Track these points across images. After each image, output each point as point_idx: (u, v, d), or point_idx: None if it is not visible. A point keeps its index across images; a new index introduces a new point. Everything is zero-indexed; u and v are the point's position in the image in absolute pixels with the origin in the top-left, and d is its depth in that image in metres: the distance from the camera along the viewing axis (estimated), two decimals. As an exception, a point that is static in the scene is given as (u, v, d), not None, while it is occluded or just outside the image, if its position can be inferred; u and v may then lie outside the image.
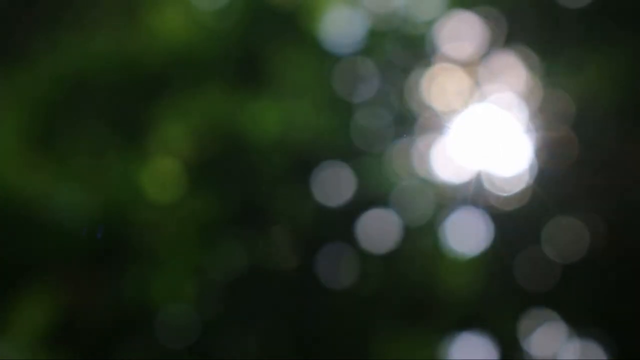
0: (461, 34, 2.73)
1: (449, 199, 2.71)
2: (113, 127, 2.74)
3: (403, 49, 2.76)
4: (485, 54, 2.69)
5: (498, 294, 2.70)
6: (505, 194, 2.64)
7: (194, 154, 2.70)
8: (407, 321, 2.70)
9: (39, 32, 2.74)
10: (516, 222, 2.65)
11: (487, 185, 2.65)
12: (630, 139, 2.56)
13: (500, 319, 2.68)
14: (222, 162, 2.71)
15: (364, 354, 2.68)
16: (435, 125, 2.72)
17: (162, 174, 2.69)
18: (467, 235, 2.72)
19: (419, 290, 2.70)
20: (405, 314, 2.71)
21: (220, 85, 2.73)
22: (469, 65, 2.70)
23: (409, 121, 2.74)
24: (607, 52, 2.59)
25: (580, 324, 2.65)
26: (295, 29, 2.77)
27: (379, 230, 2.72)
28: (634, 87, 2.55)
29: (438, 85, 2.72)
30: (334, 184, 2.73)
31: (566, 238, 2.65)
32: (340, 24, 2.76)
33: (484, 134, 2.65)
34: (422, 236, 2.71)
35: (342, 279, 2.72)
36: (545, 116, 2.59)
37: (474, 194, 2.67)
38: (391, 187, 2.71)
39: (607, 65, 2.58)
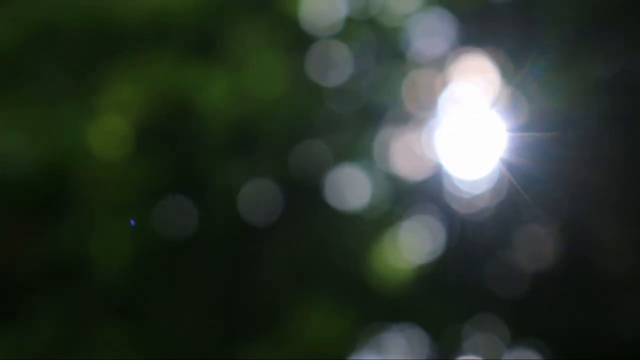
0: (435, 31, 2.73)
1: (405, 191, 2.68)
2: (68, 80, 2.70)
3: (377, 40, 2.75)
4: (457, 53, 2.69)
5: (441, 293, 2.66)
6: (465, 195, 2.62)
7: (143, 116, 2.67)
8: (335, 303, 2.67)
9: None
10: (474, 224, 2.62)
11: (447, 183, 2.63)
12: (602, 144, 2.55)
13: (437, 317, 2.64)
14: (169, 128, 2.68)
15: (286, 328, 2.65)
16: (401, 118, 2.70)
17: (109, 132, 2.65)
18: (419, 231, 2.69)
19: (353, 275, 2.67)
20: (335, 297, 2.67)
21: (179, 53, 2.71)
22: (440, 62, 2.69)
23: (374, 111, 2.72)
24: (581, 57, 2.59)
25: (525, 333, 2.61)
26: (270, 7, 2.76)
27: (317, 211, 2.69)
28: (604, 93, 2.55)
29: (408, 80, 2.71)
30: (279, 162, 2.70)
31: (526, 245, 2.63)
32: (317, 7, 2.75)
33: (451, 132, 2.63)
34: (364, 224, 2.69)
35: (274, 254, 2.68)
36: (513, 118, 2.57)
37: (433, 191, 2.64)
38: (338, 171, 2.70)
39: (580, 71, 2.58)
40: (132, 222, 2.62)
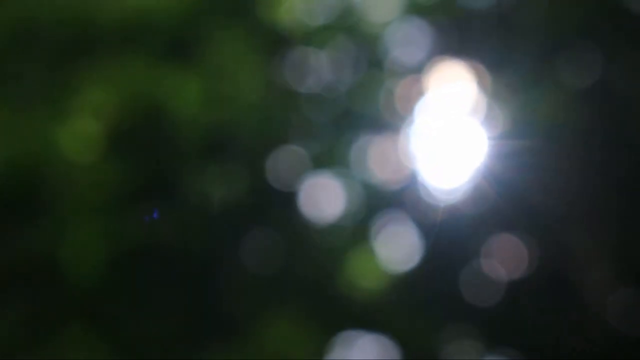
0: (413, 39, 2.73)
1: (381, 200, 2.67)
2: (41, 81, 2.68)
3: (355, 47, 2.75)
4: (434, 61, 2.69)
5: (416, 302, 2.65)
6: (442, 203, 2.61)
7: (116, 119, 2.66)
8: (305, 311, 2.65)
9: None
10: (450, 233, 2.61)
11: (424, 192, 2.62)
12: (579, 154, 2.55)
13: (411, 326, 2.63)
14: (142, 132, 2.66)
15: (253, 335, 2.63)
16: (378, 126, 2.70)
17: (82, 135, 2.63)
18: (394, 239, 2.68)
19: (326, 284, 2.66)
20: (306, 305, 2.66)
21: (155, 56, 2.70)
22: (418, 71, 2.69)
23: (351, 118, 2.71)
24: (559, 67, 2.60)
25: (500, 342, 2.61)
26: (248, 13, 2.75)
27: (291, 218, 2.68)
28: (582, 103, 2.56)
29: (386, 88, 2.70)
30: (253, 168, 2.69)
31: (503, 254, 2.63)
32: (295, 13, 2.74)
33: (428, 140, 2.63)
34: (339, 232, 2.67)
35: (244, 263, 2.67)
36: (491, 127, 2.57)
37: (409, 199, 2.64)
38: (313, 178, 2.69)
39: (558, 81, 2.59)
40: (155, 214, 2.61)
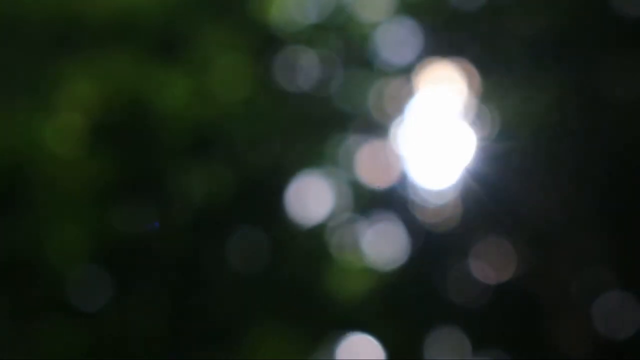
0: (403, 40, 2.73)
1: (369, 200, 2.67)
2: (26, 75, 2.67)
3: (345, 47, 2.74)
4: (424, 62, 2.69)
5: (402, 303, 2.65)
6: (430, 204, 2.61)
7: (101, 114, 2.65)
8: (288, 313, 2.65)
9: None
10: (438, 234, 2.61)
11: (412, 193, 2.62)
12: (567, 156, 2.56)
13: (398, 327, 2.63)
14: (127, 127, 2.65)
15: (238, 337, 2.62)
16: (367, 126, 2.69)
17: (66, 129, 2.62)
18: (381, 240, 2.67)
19: (311, 284, 2.65)
20: (284, 307, 2.65)
21: (141, 52, 2.69)
22: (407, 71, 2.69)
23: (340, 117, 2.71)
24: (547, 69, 2.60)
25: (486, 344, 2.61)
26: (237, 10, 2.74)
27: (277, 217, 2.67)
28: (570, 105, 2.57)
29: (375, 87, 2.70)
30: (239, 166, 2.68)
31: (490, 255, 2.63)
32: (286, 12, 2.74)
33: (417, 141, 2.63)
34: (326, 231, 2.67)
35: (228, 262, 2.66)
36: (479, 128, 2.57)
37: (397, 200, 2.63)
38: (300, 177, 2.68)
39: (546, 82, 2.60)
40: (157, 224, 2.61)
